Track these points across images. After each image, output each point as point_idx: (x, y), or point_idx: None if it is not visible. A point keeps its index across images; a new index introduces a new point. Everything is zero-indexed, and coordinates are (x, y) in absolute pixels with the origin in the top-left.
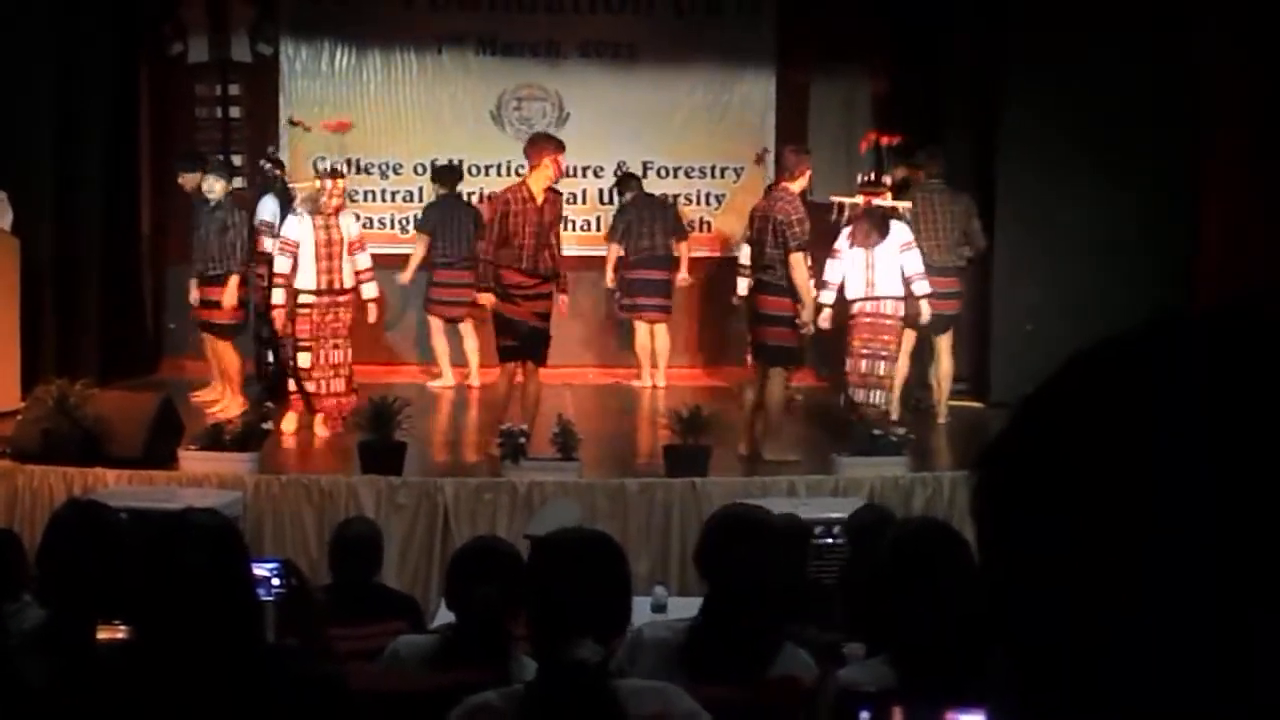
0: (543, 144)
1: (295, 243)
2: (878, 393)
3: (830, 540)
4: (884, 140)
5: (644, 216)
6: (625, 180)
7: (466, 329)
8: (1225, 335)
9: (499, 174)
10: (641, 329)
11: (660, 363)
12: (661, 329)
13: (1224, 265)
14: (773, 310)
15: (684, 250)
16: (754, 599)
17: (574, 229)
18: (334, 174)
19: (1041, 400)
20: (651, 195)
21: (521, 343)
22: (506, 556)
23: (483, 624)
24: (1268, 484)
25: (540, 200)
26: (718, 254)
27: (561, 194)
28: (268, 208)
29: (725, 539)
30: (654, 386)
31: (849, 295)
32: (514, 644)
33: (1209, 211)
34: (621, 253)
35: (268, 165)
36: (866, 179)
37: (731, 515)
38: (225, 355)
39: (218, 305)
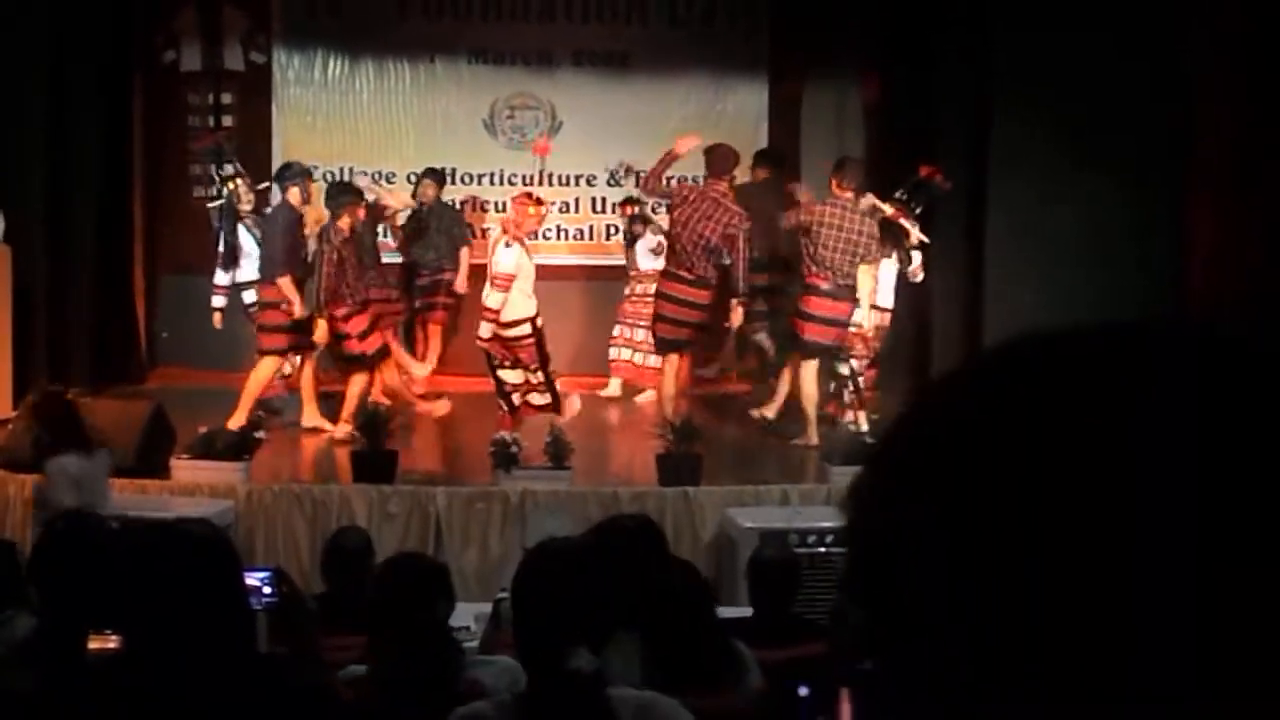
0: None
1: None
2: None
3: (823, 550)
4: (937, 176)
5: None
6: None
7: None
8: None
9: (491, 183)
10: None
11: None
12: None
13: (1213, 272)
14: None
15: (464, 257)
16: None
17: (566, 238)
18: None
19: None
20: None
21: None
22: (432, 571)
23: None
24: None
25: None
26: None
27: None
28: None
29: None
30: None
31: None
32: (462, 658)
33: (1198, 218)
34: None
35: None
36: (903, 195)
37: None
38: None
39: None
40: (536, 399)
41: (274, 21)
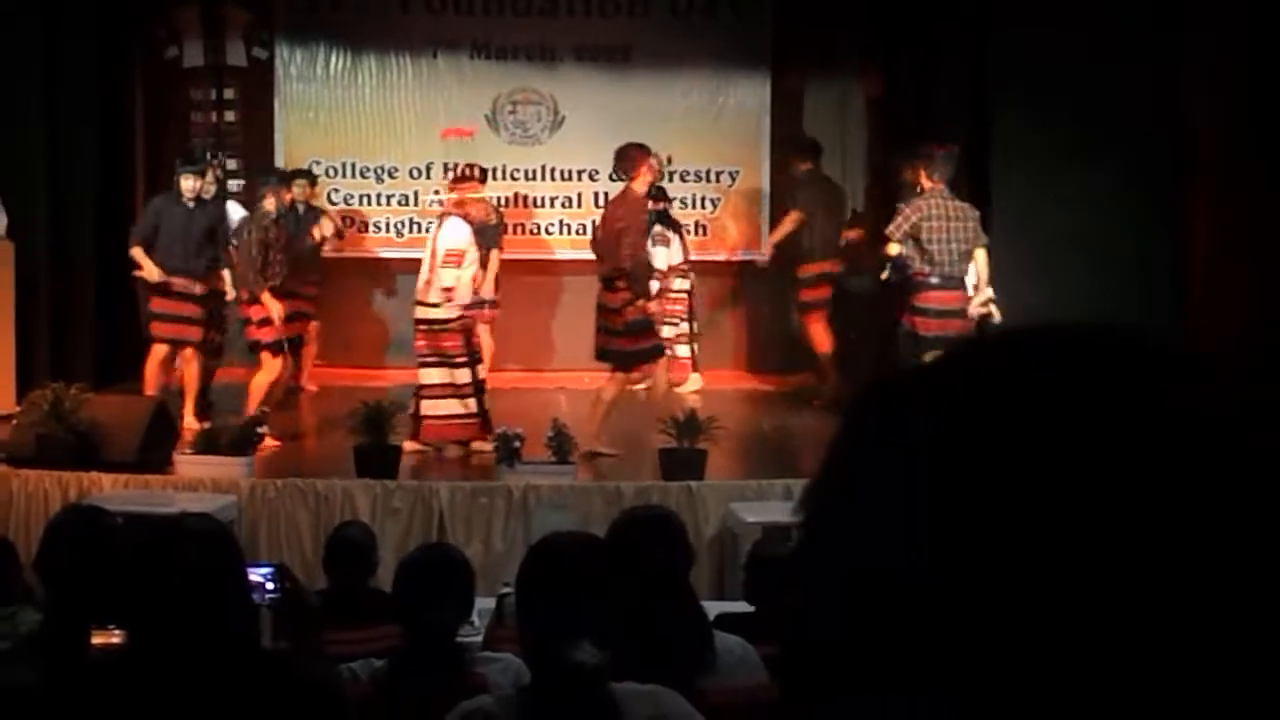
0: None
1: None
2: None
3: None
4: (941, 150)
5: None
6: None
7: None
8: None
9: (495, 178)
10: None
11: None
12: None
13: (1214, 267)
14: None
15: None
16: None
17: (570, 232)
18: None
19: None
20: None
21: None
22: (458, 564)
23: (437, 641)
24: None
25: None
26: (720, 257)
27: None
28: (237, 212)
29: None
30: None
31: None
32: (466, 654)
33: (1197, 215)
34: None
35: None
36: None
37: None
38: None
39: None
40: (456, 406)
41: (276, 17)
